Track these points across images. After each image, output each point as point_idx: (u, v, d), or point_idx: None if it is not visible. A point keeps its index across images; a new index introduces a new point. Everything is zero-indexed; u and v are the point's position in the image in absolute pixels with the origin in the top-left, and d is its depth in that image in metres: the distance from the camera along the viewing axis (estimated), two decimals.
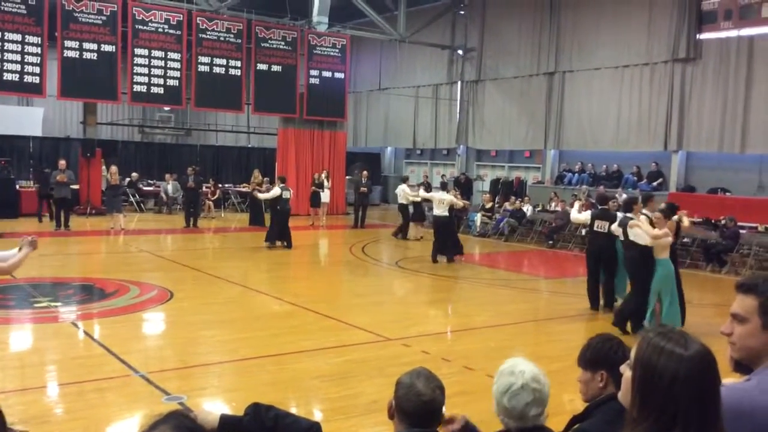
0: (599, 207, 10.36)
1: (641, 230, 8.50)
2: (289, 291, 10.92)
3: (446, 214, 14.35)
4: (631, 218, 8.76)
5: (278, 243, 15.36)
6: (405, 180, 19.04)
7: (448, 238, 14.33)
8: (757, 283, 2.06)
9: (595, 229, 9.95)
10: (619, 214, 9.58)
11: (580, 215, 10.90)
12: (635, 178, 19.35)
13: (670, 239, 8.47)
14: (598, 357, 2.77)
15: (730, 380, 1.99)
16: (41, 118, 29.09)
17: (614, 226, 9.52)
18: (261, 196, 16.94)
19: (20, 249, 4.78)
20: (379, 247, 16.51)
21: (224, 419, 2.44)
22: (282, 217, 15.33)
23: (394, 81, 27.29)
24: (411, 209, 17.87)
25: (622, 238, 9.01)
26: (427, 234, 18.01)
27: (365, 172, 20.86)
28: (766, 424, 1.85)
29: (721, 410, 1.78)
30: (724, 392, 1.79)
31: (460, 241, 14.91)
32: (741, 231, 14.56)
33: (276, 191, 15.53)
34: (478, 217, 19.40)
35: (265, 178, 20.37)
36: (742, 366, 2.06)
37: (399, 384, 2.48)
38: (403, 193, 17.77)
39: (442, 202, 14.46)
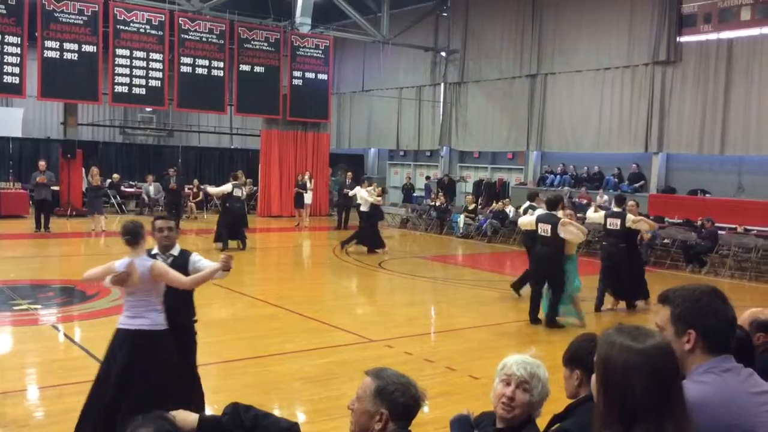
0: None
1: (575, 228, 8.97)
2: (272, 293, 10.88)
3: (364, 209, 15.69)
4: (556, 216, 9.03)
5: (238, 244, 14.79)
6: (363, 182, 18.99)
7: (365, 229, 15.71)
8: (668, 294, 2.13)
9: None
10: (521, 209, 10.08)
11: (524, 218, 10.41)
12: (616, 180, 19.49)
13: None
14: (575, 356, 2.82)
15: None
16: (21, 119, 28.72)
17: (525, 219, 10.03)
18: (211, 190, 16.77)
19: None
20: (362, 249, 16.48)
21: (203, 420, 2.44)
22: (231, 216, 14.80)
23: (378, 83, 27.28)
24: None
25: (547, 234, 9.07)
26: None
27: (349, 174, 20.85)
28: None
29: (684, 404, 1.80)
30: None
31: (379, 235, 15.84)
32: (720, 232, 14.73)
33: (227, 187, 15.01)
34: (462, 219, 19.47)
35: (248, 180, 20.26)
36: None
37: (394, 393, 2.40)
38: (367, 193, 17.80)
39: (362, 198, 15.91)
